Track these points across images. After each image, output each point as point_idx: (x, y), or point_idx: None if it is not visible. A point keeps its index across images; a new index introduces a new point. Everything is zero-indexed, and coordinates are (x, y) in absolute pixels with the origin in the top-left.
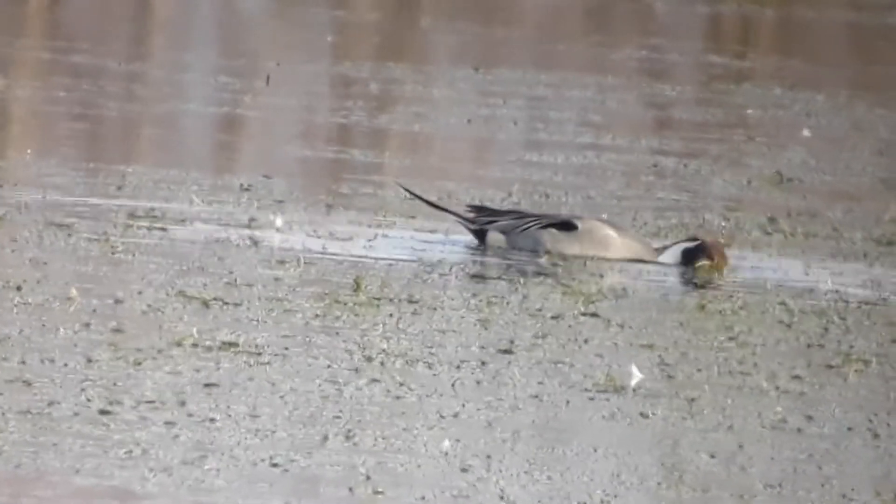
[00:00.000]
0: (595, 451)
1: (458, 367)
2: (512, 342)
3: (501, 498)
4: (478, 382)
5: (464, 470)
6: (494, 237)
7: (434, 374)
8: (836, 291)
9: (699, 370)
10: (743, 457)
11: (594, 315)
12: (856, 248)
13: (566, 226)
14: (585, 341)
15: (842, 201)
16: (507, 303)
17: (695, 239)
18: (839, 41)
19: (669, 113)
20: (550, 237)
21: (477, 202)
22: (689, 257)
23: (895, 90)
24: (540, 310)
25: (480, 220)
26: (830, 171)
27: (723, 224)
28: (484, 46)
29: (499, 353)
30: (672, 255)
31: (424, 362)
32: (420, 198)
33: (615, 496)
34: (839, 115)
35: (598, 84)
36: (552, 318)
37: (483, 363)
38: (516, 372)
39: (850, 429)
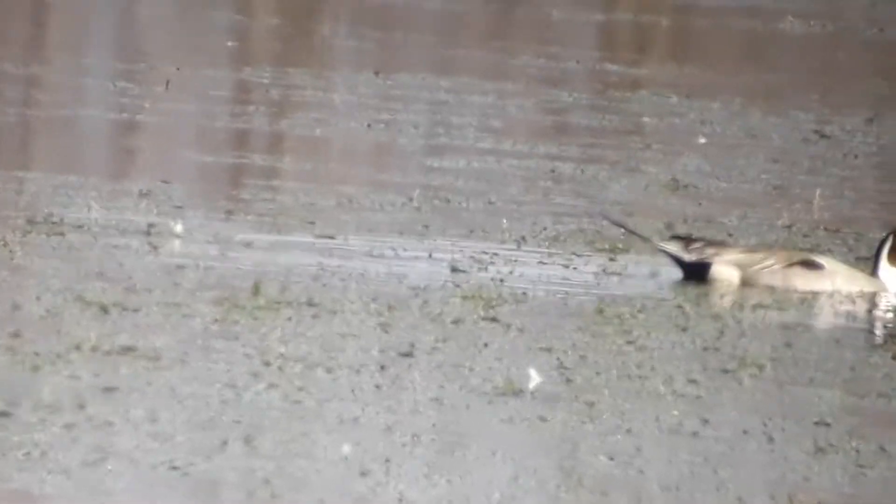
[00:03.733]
0: (494, 454)
1: (358, 371)
2: (412, 346)
3: (400, 501)
4: (377, 386)
5: (363, 474)
6: (724, 271)
7: (333, 379)
8: (732, 295)
9: (598, 374)
10: (640, 460)
11: (494, 320)
12: None
13: (810, 265)
14: (485, 345)
15: (737, 208)
16: (408, 307)
17: None
18: (733, 49)
19: (567, 119)
20: (800, 277)
21: (677, 232)
22: None
23: (788, 98)
24: (440, 314)
25: (700, 253)
26: (725, 177)
27: (621, 233)
28: (384, 51)
29: (399, 357)
30: (889, 273)
31: (324, 367)
32: (626, 228)
33: (513, 499)
34: (734, 122)
35: (497, 90)
36: (452, 322)
37: (383, 367)
38: (416, 376)
39: (745, 432)
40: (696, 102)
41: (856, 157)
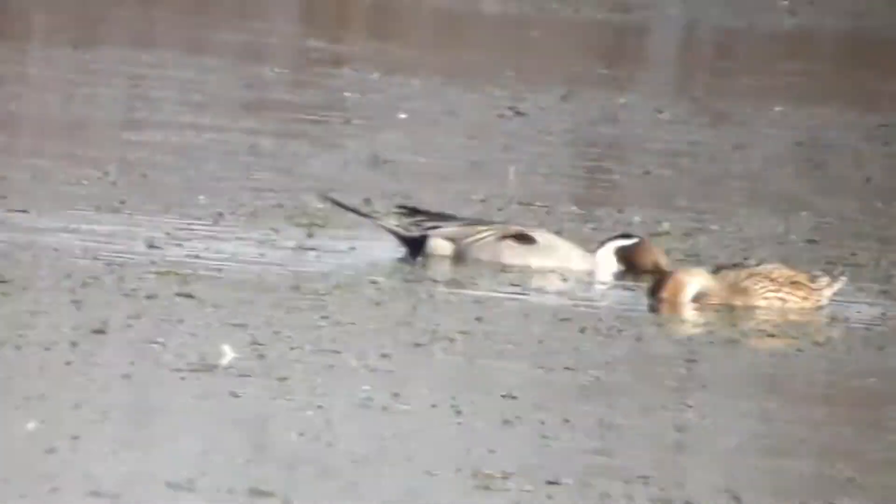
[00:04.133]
0: (184, 430)
1: (48, 348)
2: (105, 323)
3: (87, 478)
4: (67, 363)
5: (49, 451)
6: (439, 245)
7: (22, 356)
8: (429, 270)
9: (291, 349)
10: (330, 434)
11: (189, 296)
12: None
13: (523, 238)
14: (180, 321)
15: (435, 183)
16: (102, 283)
17: (629, 236)
18: (434, 27)
19: (268, 94)
20: (511, 250)
21: (407, 203)
22: (624, 256)
23: (485, 76)
24: (135, 290)
25: (420, 226)
26: (424, 153)
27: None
28: (83, 25)
29: (91, 334)
30: (608, 255)
31: (12, 344)
32: (345, 206)
33: (203, 474)
34: (433, 99)
35: (198, 64)
36: (147, 298)
37: (74, 344)
38: (108, 353)
39: (434, 406)
40: (396, 79)
41: (549, 133)
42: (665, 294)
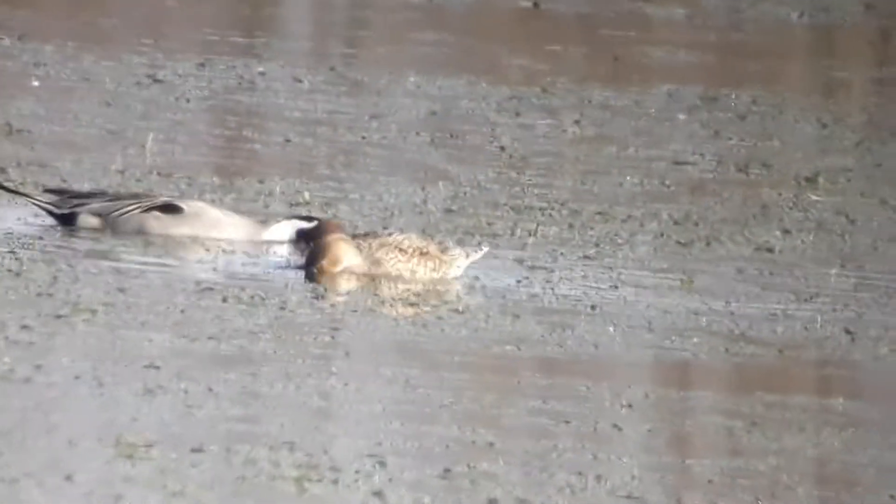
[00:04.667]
0: None
1: None
2: None
3: None
4: None
5: None
6: (88, 220)
7: None
8: (67, 240)
9: None
10: None
11: None
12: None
13: (170, 208)
14: None
15: (71, 152)
16: None
17: (311, 218)
18: None
19: None
20: (157, 221)
21: (55, 186)
22: (303, 238)
23: (121, 42)
24: None
25: (69, 203)
26: (60, 121)
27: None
28: None
29: None
30: (284, 232)
31: None
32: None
33: None
34: (67, 65)
35: None
36: None
37: None
38: None
39: (77, 377)
40: (29, 45)
41: (188, 101)
42: (323, 262)
